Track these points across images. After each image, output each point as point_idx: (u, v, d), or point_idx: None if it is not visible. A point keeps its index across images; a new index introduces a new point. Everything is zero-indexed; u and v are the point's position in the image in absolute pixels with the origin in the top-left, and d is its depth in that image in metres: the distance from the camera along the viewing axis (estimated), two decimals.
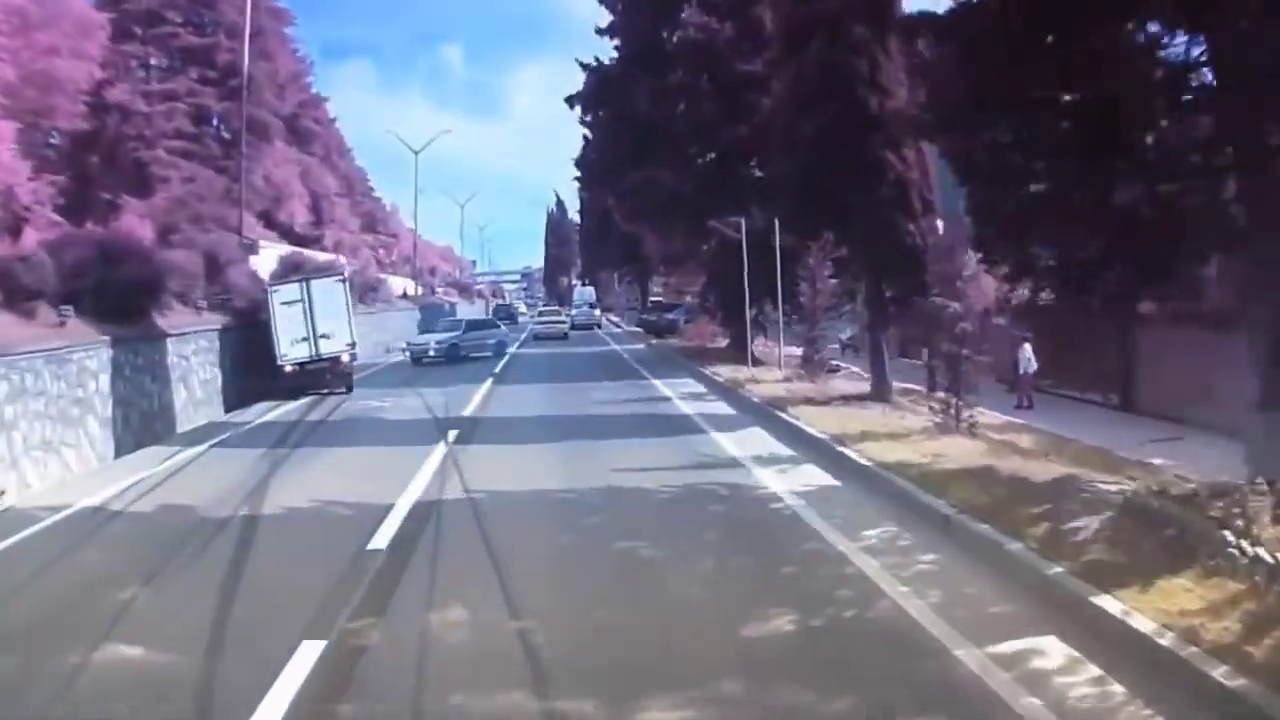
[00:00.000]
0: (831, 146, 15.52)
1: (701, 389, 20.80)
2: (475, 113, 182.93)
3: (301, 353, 20.72)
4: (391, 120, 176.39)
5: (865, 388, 17.31)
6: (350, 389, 21.76)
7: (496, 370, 26.73)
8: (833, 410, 14.70)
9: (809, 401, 15.66)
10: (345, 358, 21.36)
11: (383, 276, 46.67)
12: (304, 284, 21.34)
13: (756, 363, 22.33)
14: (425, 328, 38.45)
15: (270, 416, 18.71)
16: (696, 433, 14.39)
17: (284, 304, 20.88)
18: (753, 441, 13.22)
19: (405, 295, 50.17)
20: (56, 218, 24.00)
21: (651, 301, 48.00)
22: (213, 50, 37.93)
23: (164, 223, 30.42)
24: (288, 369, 20.66)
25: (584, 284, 73.23)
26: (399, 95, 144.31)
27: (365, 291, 35.15)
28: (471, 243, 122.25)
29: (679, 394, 19.77)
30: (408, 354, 31.81)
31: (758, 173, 23.07)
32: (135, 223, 29.70)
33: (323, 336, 20.80)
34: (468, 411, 17.65)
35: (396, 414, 18.21)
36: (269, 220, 39.66)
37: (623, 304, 61.88)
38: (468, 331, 33.21)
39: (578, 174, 33.81)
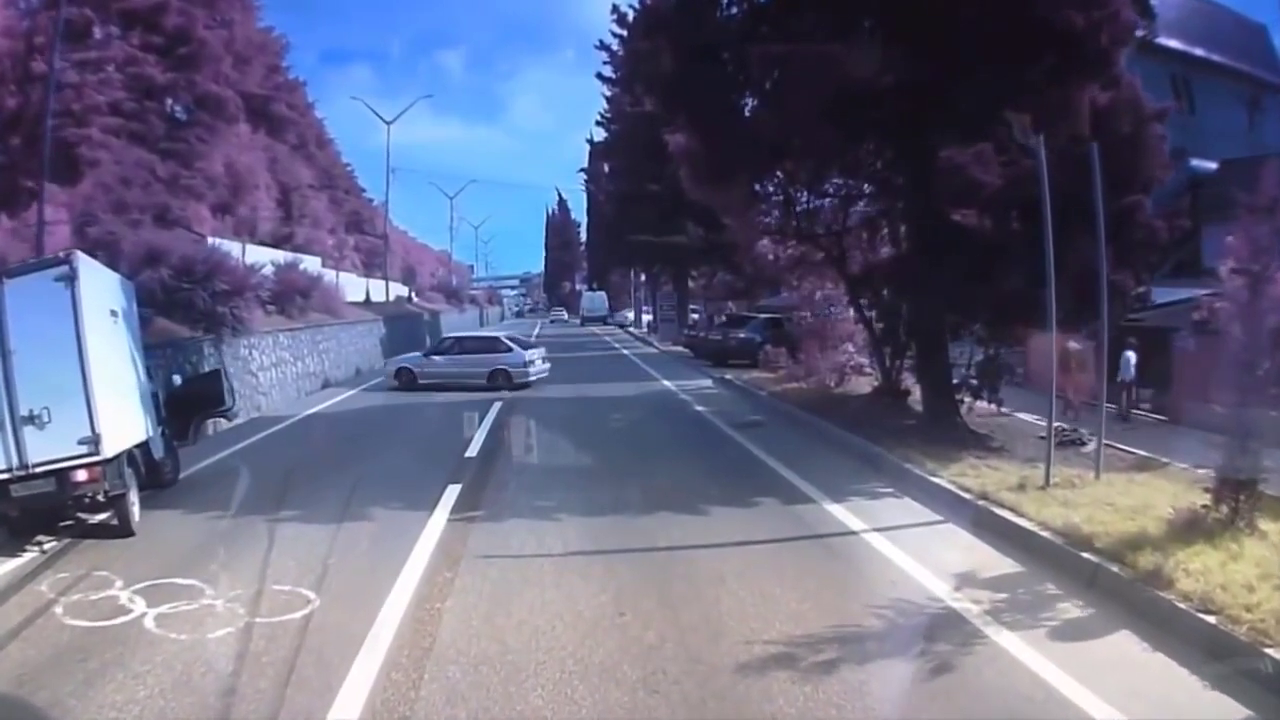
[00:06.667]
0: None
1: (1048, 587, 6.67)
2: (475, 118, 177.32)
3: None
4: (391, 127, 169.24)
5: None
6: (127, 528, 8.97)
7: (475, 448, 13.43)
8: None
9: None
10: (82, 474, 8.48)
11: (317, 271, 31.14)
12: None
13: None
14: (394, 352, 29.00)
15: None
16: None
17: None
18: None
19: (369, 301, 38.84)
20: None
21: (725, 314, 35.18)
22: (159, 12, 32.05)
23: (83, 211, 24.65)
24: None
25: (592, 288, 66.55)
26: (399, 101, 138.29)
27: (291, 296, 25.46)
28: (468, 247, 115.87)
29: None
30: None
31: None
32: (50, 215, 24.01)
33: (30, 421, 8.38)
34: None
35: None
36: (228, 212, 33.64)
37: (638, 313, 53.33)
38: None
39: (584, 168, 27.30)
